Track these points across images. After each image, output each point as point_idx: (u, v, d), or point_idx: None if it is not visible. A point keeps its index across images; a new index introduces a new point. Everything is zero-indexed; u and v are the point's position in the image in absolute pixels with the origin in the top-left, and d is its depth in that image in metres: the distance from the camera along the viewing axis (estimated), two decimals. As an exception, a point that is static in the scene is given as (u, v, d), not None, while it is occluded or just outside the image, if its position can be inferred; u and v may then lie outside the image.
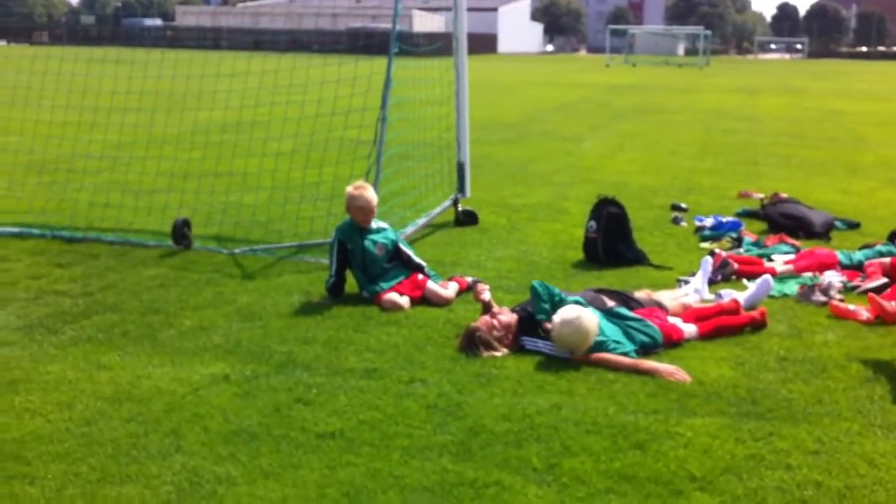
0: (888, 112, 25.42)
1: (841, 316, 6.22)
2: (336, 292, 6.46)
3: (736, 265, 7.23)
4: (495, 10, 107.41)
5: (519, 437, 4.33)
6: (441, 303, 6.38)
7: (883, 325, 6.04)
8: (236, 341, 5.57)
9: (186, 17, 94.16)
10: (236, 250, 7.73)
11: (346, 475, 3.95)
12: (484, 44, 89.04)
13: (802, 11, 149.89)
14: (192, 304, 6.32)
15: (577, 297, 5.68)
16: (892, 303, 6.19)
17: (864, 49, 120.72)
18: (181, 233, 7.76)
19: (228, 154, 10.77)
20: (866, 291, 6.68)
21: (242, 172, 9.98)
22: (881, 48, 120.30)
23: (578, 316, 5.24)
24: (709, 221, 9.01)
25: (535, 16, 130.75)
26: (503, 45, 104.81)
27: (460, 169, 9.44)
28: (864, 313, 6.18)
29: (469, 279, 6.78)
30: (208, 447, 4.19)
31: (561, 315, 5.29)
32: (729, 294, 6.48)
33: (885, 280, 6.77)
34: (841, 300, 6.53)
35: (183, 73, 10.06)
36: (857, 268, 7.28)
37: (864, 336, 5.86)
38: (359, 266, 6.51)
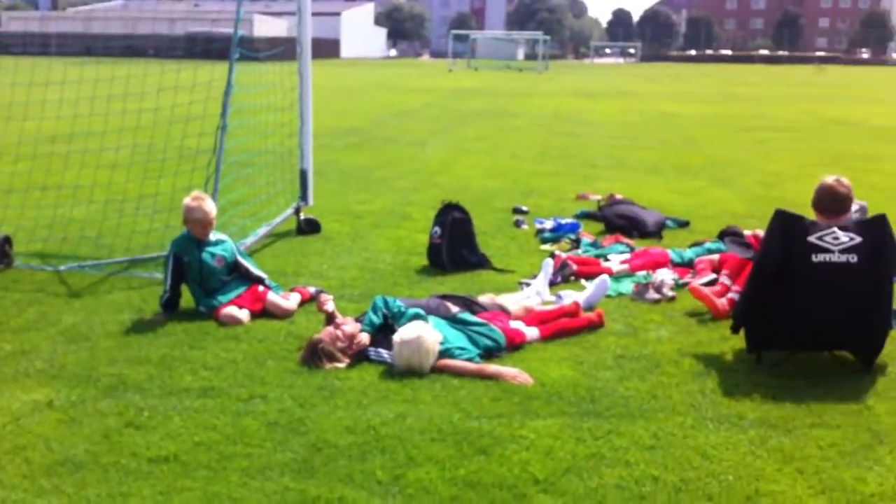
0: (715, 114, 26.74)
1: (699, 298, 6.44)
2: (171, 308, 6.21)
3: (575, 266, 7.39)
4: (338, 14, 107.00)
5: (363, 449, 4.26)
6: (282, 315, 6.23)
7: (712, 320, 6.29)
8: (61, 365, 5.24)
9: (13, 23, 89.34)
10: (62, 267, 7.32)
11: (181, 501, 3.77)
12: (327, 49, 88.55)
13: (636, 16, 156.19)
14: (12, 326, 5.93)
15: (418, 310, 5.64)
16: (722, 300, 6.45)
17: (693, 52, 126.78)
18: (0, 250, 7.29)
19: (59, 166, 10.20)
20: (697, 288, 6.95)
21: (74, 185, 9.49)
22: (709, 51, 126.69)
23: (419, 336, 5.20)
24: (549, 223, 9.19)
25: (379, 20, 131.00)
26: (346, 50, 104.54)
27: (303, 176, 9.28)
28: (720, 302, 6.40)
29: (312, 289, 6.65)
30: (30, 480, 3.92)
31: (401, 335, 5.24)
32: (569, 295, 6.61)
33: (713, 276, 7.05)
34: (673, 297, 6.77)
35: (7, 81, 9.47)
36: (687, 265, 7.57)
37: (695, 332, 6.09)
38: (195, 280, 6.28)
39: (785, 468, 4.15)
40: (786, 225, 5.46)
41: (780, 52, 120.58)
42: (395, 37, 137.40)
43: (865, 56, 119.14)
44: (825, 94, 39.79)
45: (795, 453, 4.29)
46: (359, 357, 5.39)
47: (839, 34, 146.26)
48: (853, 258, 5.28)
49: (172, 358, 5.38)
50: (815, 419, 4.66)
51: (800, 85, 49.29)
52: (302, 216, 9.00)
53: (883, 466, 4.17)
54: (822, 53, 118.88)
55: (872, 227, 5.46)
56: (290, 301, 6.40)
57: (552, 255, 7.58)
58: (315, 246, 8.41)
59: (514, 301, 6.37)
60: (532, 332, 5.81)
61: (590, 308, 6.45)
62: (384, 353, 5.38)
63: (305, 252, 8.15)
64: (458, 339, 5.48)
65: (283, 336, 5.83)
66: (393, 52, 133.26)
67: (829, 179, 5.67)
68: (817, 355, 5.53)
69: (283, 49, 9.97)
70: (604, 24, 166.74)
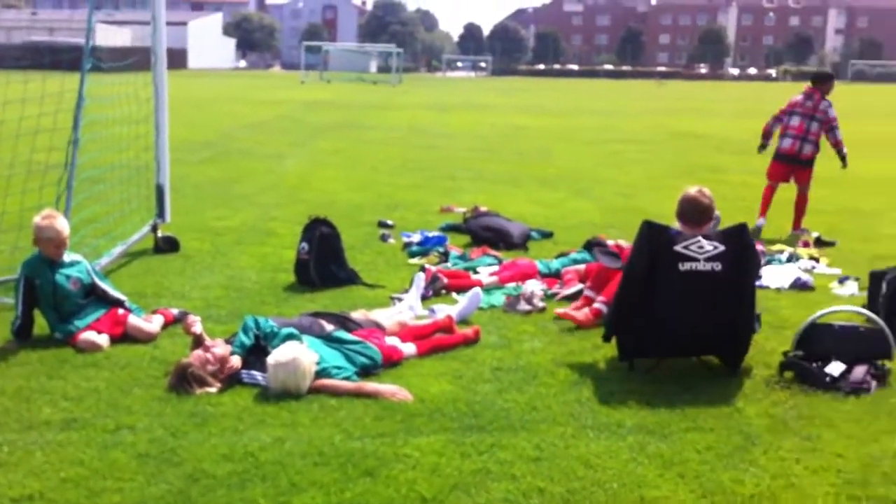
0: (566, 127, 27.48)
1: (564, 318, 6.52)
2: (23, 335, 5.83)
3: (446, 280, 7.38)
4: (185, 24, 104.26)
5: (242, 478, 4.08)
6: (145, 338, 5.94)
7: (579, 329, 6.40)
8: None
9: None
10: None
11: (49, 545, 3.51)
12: (174, 59, 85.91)
13: (486, 31, 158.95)
14: None
15: (291, 330, 5.48)
16: (585, 310, 6.58)
17: (541, 67, 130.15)
18: None
19: None
20: (566, 298, 7.07)
21: None
22: (557, 66, 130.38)
23: (294, 357, 5.05)
24: (416, 237, 9.17)
25: (228, 30, 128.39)
26: (194, 61, 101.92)
27: (159, 192, 8.91)
28: (582, 313, 6.50)
29: (175, 311, 6.38)
30: None
31: (276, 357, 5.07)
32: (442, 309, 6.59)
33: (580, 287, 7.18)
34: (543, 308, 6.85)
35: None
36: (555, 276, 7.69)
37: (567, 342, 6.17)
38: (49, 304, 5.91)
39: (666, 473, 4.23)
40: (653, 235, 5.60)
41: (624, 67, 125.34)
42: (244, 47, 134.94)
43: (704, 71, 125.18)
44: (668, 107, 41.58)
45: (675, 458, 4.39)
46: (231, 381, 5.19)
47: (679, 50, 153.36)
48: (717, 266, 5.47)
49: (29, 389, 5.03)
50: (690, 423, 4.79)
51: (644, 99, 51.32)
52: (159, 234, 8.65)
53: (758, 467, 4.31)
54: (663, 68, 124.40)
55: (734, 235, 5.66)
56: (153, 324, 6.11)
57: (422, 269, 7.55)
58: (175, 265, 8.09)
59: (387, 316, 6.29)
60: (409, 349, 5.75)
61: (463, 321, 6.45)
62: (258, 375, 5.20)
63: (165, 271, 7.83)
64: (334, 358, 5.36)
65: (148, 361, 5.55)
66: (242, 64, 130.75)
67: (692, 190, 5.85)
68: (685, 360, 5.70)
69: (136, 59, 9.57)
70: (455, 38, 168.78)
